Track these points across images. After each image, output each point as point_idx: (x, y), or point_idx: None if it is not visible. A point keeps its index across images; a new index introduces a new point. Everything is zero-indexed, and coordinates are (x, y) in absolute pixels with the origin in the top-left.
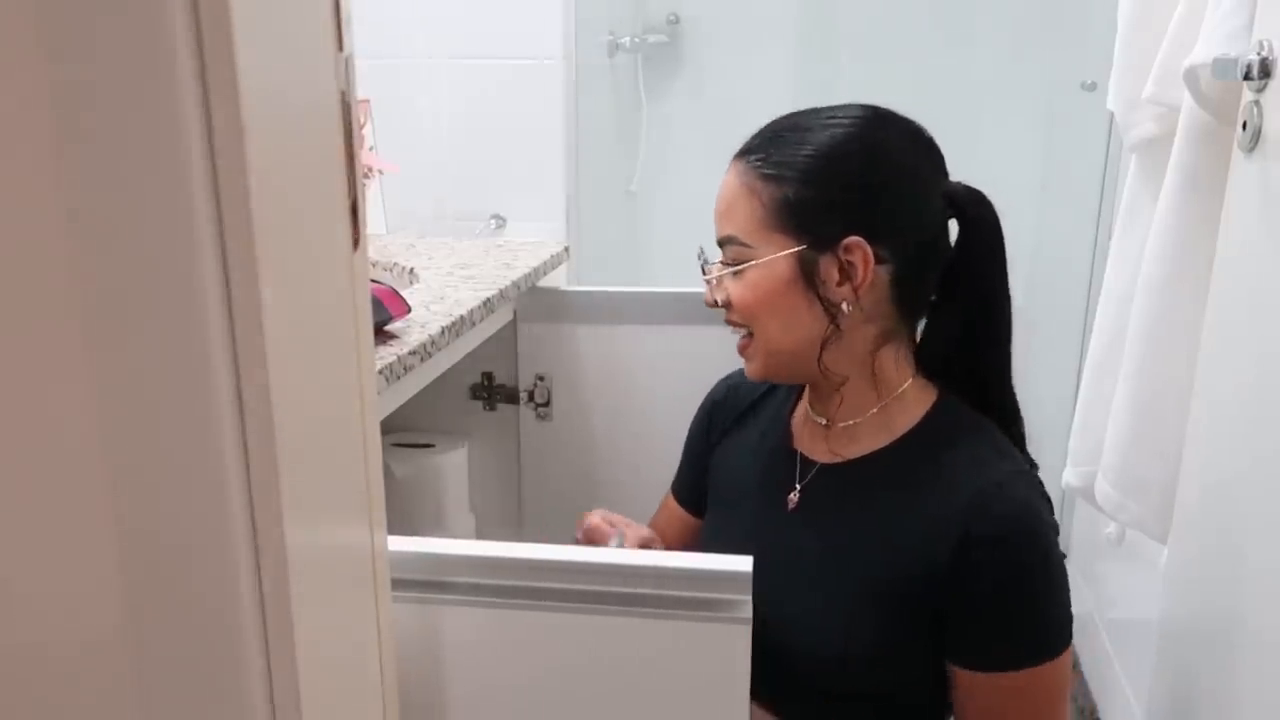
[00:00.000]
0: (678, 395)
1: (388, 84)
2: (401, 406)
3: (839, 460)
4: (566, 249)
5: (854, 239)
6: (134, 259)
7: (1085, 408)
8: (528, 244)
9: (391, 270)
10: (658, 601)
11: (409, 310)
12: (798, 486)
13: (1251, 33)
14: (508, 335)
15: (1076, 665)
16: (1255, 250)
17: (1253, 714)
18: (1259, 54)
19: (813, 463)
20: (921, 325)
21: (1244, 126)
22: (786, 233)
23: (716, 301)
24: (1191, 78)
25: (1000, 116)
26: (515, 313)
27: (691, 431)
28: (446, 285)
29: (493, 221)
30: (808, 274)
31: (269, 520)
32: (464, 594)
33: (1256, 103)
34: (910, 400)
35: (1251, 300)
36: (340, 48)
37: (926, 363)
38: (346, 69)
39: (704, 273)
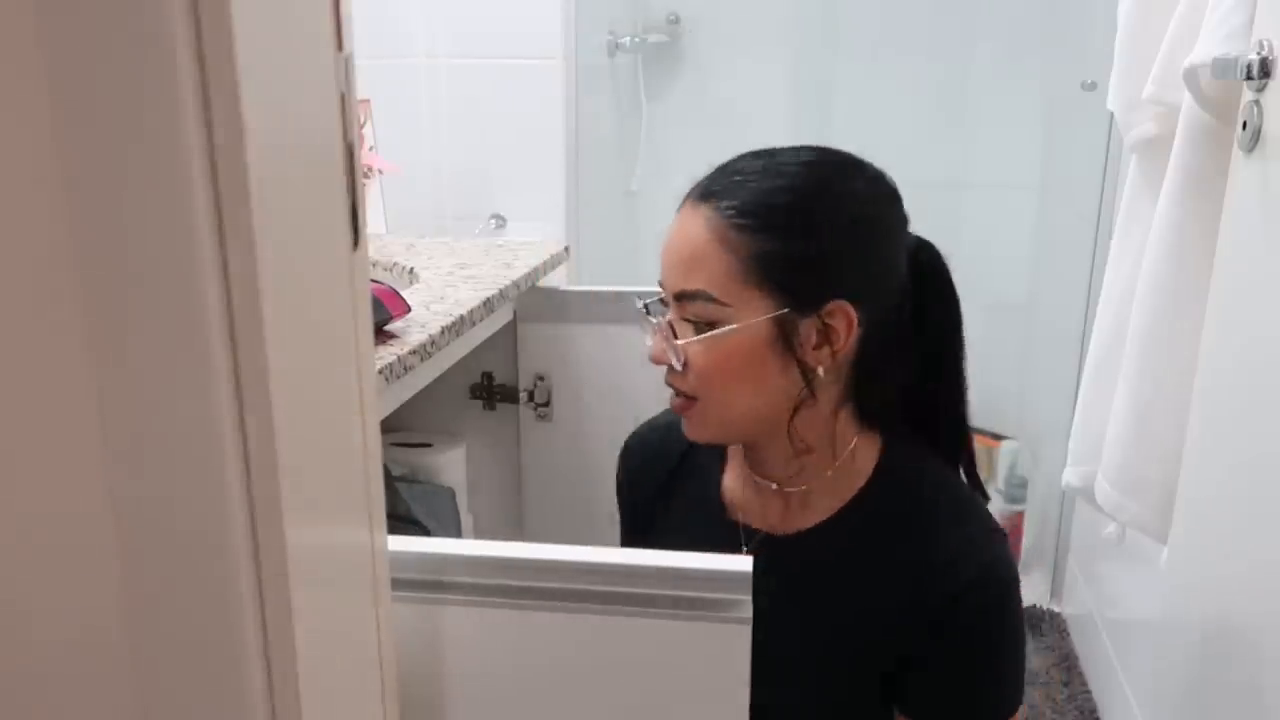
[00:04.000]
0: None
1: (388, 84)
2: (401, 406)
3: (790, 532)
4: (566, 249)
5: (839, 303)
6: (134, 259)
7: (1085, 408)
8: (528, 244)
9: (391, 270)
10: (658, 601)
11: (409, 310)
12: (744, 548)
13: (1251, 32)
14: (508, 335)
15: (1076, 665)
16: (1255, 250)
17: (1253, 713)
18: (1259, 54)
19: (756, 531)
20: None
21: (1244, 126)
22: (766, 291)
23: (671, 363)
24: (1191, 77)
25: (1000, 116)
26: (515, 313)
27: (620, 497)
28: (446, 285)
29: (493, 221)
30: (786, 337)
31: (269, 520)
32: (464, 594)
33: (1256, 102)
34: (859, 457)
35: (1251, 300)
36: (340, 48)
37: (872, 413)
38: (346, 69)
39: (655, 326)
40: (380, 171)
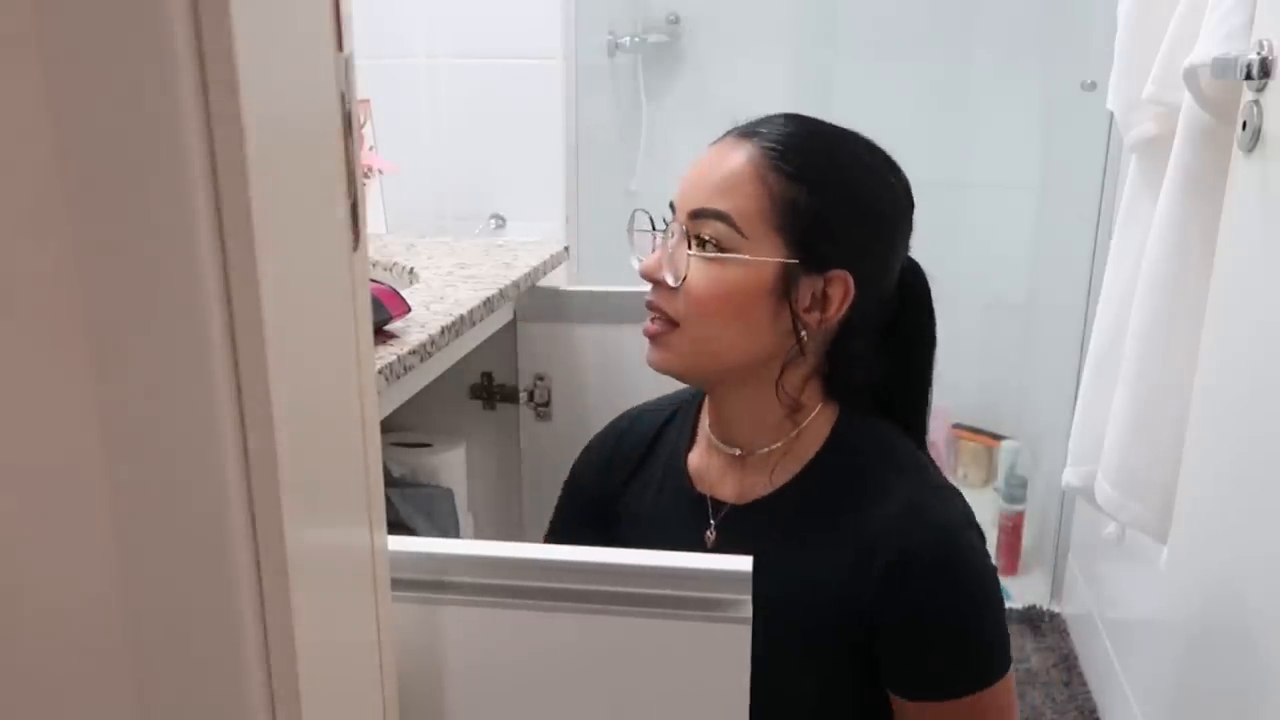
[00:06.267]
0: None
1: (388, 84)
2: (401, 406)
3: (750, 500)
4: (566, 249)
5: (843, 273)
6: (134, 259)
7: (1085, 408)
8: (528, 244)
9: (391, 270)
10: (658, 601)
11: (409, 310)
12: (712, 523)
13: (1251, 32)
14: (508, 335)
15: (1076, 665)
16: (1255, 250)
17: (1252, 713)
18: (1259, 53)
19: (723, 504)
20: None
21: (1244, 126)
22: (784, 238)
23: (665, 279)
24: (1191, 77)
25: (1000, 116)
26: (515, 313)
27: (579, 472)
28: (446, 285)
29: (493, 221)
30: (786, 287)
31: (269, 520)
32: (464, 594)
33: (1256, 102)
34: (816, 425)
35: (1251, 300)
36: (340, 48)
37: (838, 392)
38: (346, 69)
39: (659, 239)
40: (380, 171)
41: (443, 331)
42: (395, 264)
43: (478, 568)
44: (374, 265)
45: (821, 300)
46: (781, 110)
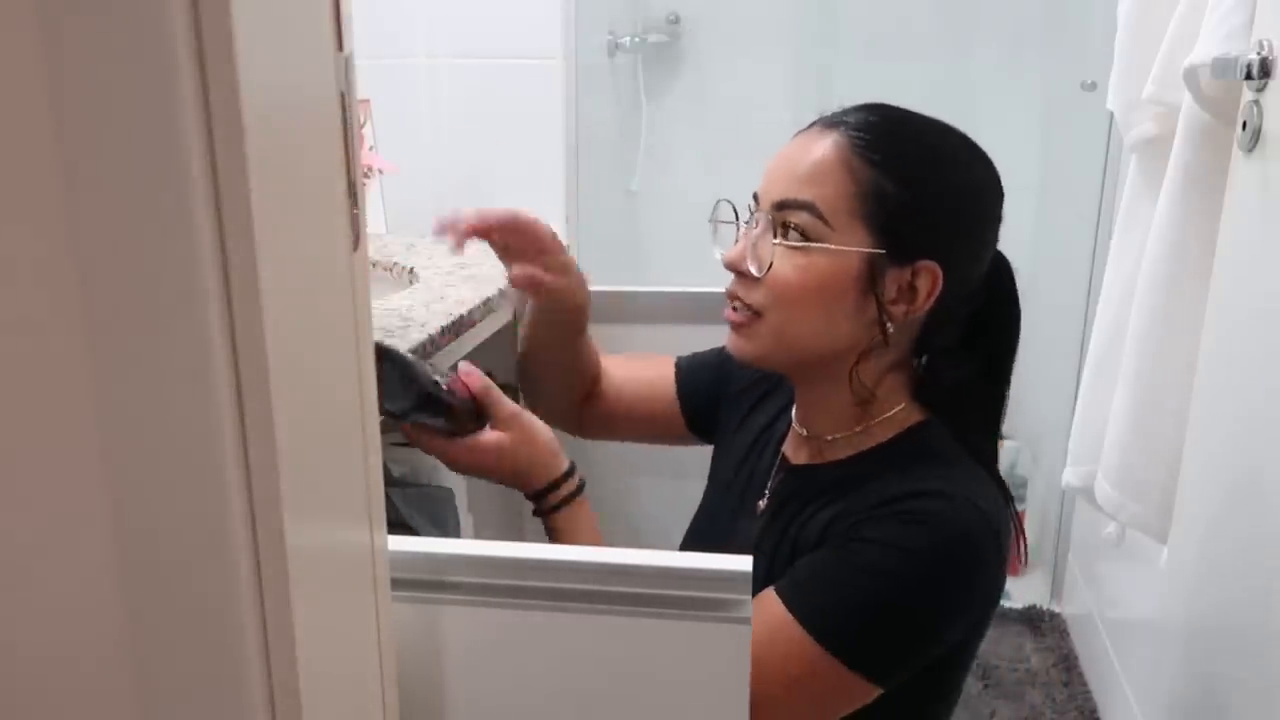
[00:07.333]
0: None
1: (388, 84)
2: None
3: (803, 465)
4: (566, 249)
5: (931, 264)
6: (134, 259)
7: (1085, 408)
8: None
9: (391, 270)
10: (658, 601)
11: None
12: (767, 492)
13: (1251, 32)
14: (508, 335)
15: (1076, 665)
16: (1255, 250)
17: (1252, 713)
18: (1259, 53)
19: (784, 465)
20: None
21: (1244, 126)
22: (870, 228)
23: (749, 269)
24: (1191, 77)
25: (1000, 116)
26: (515, 313)
27: (718, 362)
28: (447, 285)
29: None
30: (872, 278)
31: (269, 520)
32: (464, 594)
33: (1256, 102)
34: (893, 422)
35: (1251, 300)
36: (340, 48)
37: (924, 394)
38: (346, 69)
39: (744, 228)
40: (380, 171)
41: (443, 331)
42: (395, 264)
43: (478, 568)
44: (374, 265)
45: (909, 292)
46: (782, 109)
